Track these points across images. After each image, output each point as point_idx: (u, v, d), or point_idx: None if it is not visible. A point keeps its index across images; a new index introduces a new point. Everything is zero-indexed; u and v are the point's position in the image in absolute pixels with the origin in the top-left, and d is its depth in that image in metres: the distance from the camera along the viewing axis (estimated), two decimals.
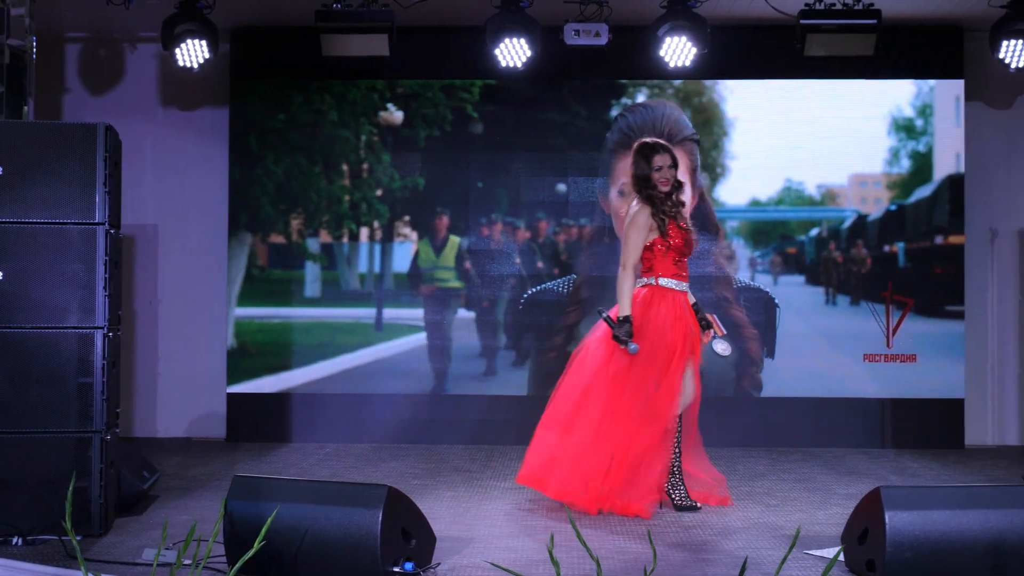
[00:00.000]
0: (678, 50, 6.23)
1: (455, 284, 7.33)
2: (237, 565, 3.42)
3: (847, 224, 7.39)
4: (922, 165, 7.31)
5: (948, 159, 7.28)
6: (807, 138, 7.23)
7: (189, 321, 7.46)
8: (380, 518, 3.64)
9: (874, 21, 6.15)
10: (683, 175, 7.10)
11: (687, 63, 6.29)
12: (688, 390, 5.01)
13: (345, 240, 7.39)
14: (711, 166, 7.32)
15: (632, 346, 4.87)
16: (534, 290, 7.27)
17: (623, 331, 4.89)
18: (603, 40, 6.25)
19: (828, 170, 7.35)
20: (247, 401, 7.27)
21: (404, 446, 7.06)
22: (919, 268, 7.24)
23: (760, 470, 6.26)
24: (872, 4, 6.15)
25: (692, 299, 5.18)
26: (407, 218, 7.37)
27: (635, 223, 5.03)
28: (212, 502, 5.12)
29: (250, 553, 3.36)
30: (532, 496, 5.38)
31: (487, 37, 6.24)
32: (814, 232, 7.39)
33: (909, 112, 7.27)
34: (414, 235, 7.37)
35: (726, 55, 6.95)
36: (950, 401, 7.13)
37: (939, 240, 7.25)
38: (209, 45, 6.30)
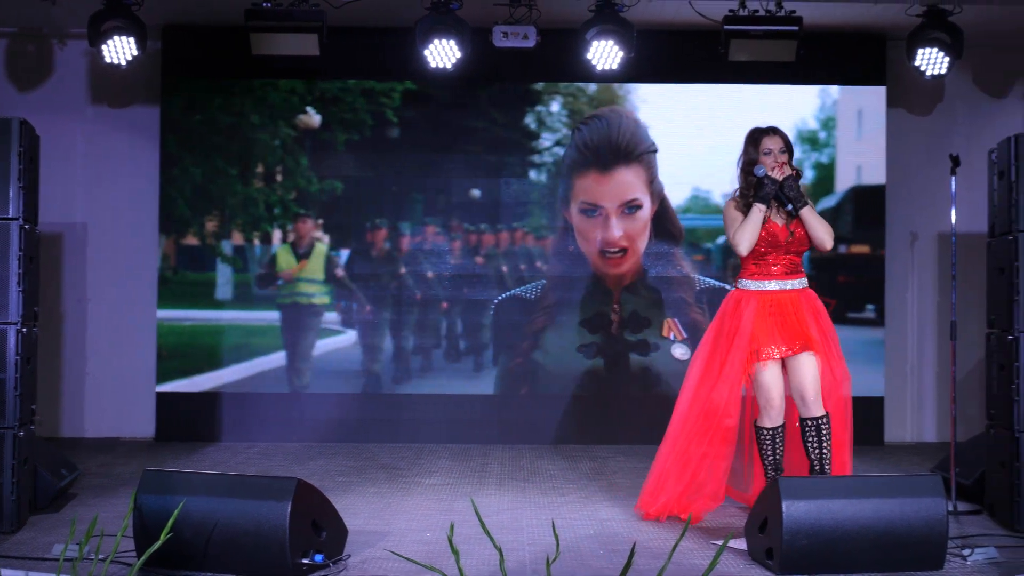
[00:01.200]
0: (605, 54, 6.33)
1: (321, 300, 7.30)
2: (143, 558, 3.44)
3: None
4: (824, 176, 7.49)
5: (849, 171, 7.49)
6: (714, 148, 7.30)
7: (118, 320, 7.39)
8: (288, 510, 3.67)
9: (795, 28, 6.30)
10: (642, 186, 7.25)
11: (614, 66, 6.39)
12: (772, 393, 4.59)
13: (257, 243, 7.37)
14: None
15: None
16: (505, 295, 7.30)
17: (768, 190, 4.64)
18: (531, 42, 6.31)
19: (734, 180, 7.46)
20: (176, 400, 7.23)
21: (334, 445, 7.08)
22: (823, 276, 7.36)
23: None
24: (794, 11, 6.30)
25: (797, 289, 4.71)
26: (320, 221, 7.35)
27: (724, 219, 4.86)
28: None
29: (156, 546, 3.37)
30: (452, 492, 5.44)
31: (417, 38, 6.28)
32: (721, 240, 7.49)
33: (813, 124, 7.46)
34: (326, 238, 7.35)
35: (654, 60, 7.07)
36: (870, 399, 7.30)
37: (843, 249, 7.44)
38: (137, 42, 6.26)
